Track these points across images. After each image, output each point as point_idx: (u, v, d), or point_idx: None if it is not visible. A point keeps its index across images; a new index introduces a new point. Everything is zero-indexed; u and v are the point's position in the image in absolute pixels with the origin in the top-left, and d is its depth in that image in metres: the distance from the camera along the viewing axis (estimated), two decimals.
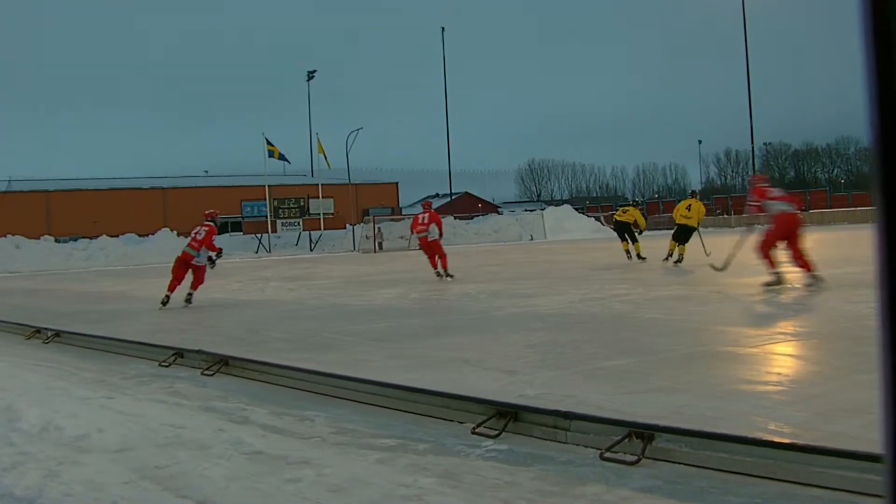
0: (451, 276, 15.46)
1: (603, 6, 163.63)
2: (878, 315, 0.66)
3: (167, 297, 12.37)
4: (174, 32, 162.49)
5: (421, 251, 16.87)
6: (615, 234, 19.33)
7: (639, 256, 18.20)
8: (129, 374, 6.48)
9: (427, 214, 16.04)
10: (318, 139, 47.53)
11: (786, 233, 10.23)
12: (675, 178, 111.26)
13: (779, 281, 10.04)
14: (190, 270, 12.82)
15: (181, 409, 4.97)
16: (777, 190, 10.90)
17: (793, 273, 10.27)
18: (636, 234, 18.63)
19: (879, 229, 0.65)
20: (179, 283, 12.69)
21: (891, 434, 0.66)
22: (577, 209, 57.04)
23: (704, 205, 18.45)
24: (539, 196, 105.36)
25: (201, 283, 13.02)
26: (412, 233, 18.17)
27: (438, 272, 15.77)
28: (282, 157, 47.14)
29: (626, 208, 19.27)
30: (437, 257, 15.83)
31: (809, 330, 7.01)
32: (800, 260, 10.17)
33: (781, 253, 10.21)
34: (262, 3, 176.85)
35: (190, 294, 12.77)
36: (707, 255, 15.24)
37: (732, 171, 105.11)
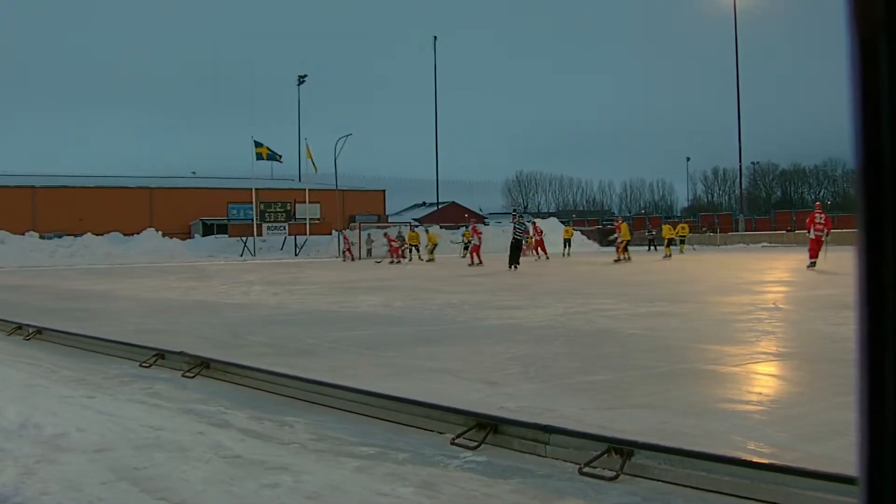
0: (548, 258, 30.30)
1: (593, 22, 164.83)
2: (856, 336, 0.67)
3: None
4: (166, 33, 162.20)
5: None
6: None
7: None
8: (110, 373, 6.43)
9: (535, 225, 32.24)
10: (307, 144, 47.52)
11: None
12: (663, 194, 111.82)
13: None
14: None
15: (161, 411, 4.93)
16: None
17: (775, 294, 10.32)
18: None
19: (860, 251, 0.66)
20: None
21: (865, 456, 0.66)
22: (563, 222, 57.23)
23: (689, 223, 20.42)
24: (526, 208, 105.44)
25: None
26: (533, 235, 31.95)
27: (534, 257, 30.91)
28: (270, 157, 46.93)
29: None
30: (538, 249, 31.60)
31: (791, 350, 7.04)
32: None
33: None
34: (254, 7, 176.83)
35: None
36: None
37: (720, 190, 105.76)
